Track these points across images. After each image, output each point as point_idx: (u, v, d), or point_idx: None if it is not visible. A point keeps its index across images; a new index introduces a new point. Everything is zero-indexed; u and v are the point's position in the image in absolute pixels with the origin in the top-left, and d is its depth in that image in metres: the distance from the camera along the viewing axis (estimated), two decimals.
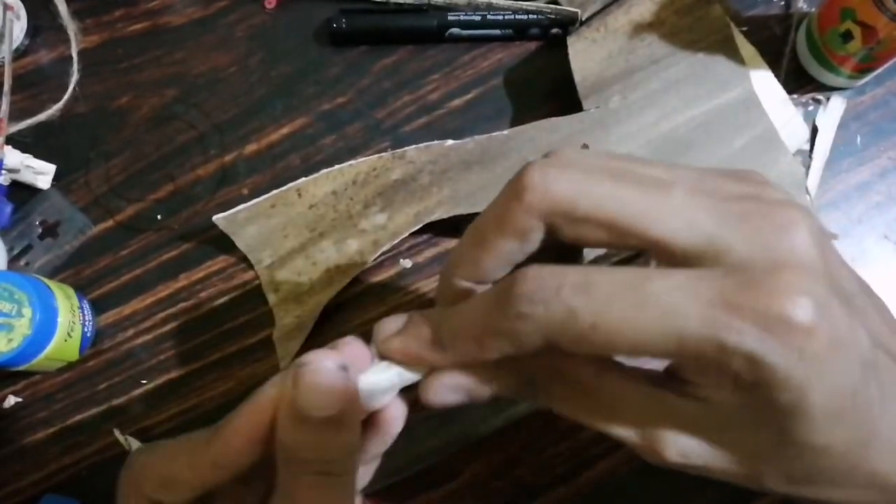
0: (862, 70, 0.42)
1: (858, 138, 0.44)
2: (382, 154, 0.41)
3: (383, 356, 0.24)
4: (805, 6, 0.45)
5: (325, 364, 0.21)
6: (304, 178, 0.41)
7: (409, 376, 0.24)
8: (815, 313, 0.19)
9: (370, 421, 0.25)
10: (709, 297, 0.19)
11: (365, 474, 0.28)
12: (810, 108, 0.44)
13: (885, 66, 0.42)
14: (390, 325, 0.25)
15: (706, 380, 0.21)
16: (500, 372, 0.24)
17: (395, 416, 0.25)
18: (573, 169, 0.22)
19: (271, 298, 0.41)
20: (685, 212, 0.21)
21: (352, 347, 0.24)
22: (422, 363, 0.24)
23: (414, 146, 0.41)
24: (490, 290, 0.22)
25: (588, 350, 0.20)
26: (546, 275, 0.20)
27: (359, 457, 0.24)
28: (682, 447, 0.22)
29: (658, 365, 0.23)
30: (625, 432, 0.23)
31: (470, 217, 0.41)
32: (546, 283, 0.20)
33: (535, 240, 0.22)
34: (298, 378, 0.21)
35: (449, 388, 0.24)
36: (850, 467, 0.21)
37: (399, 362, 0.24)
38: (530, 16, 0.44)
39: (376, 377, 0.24)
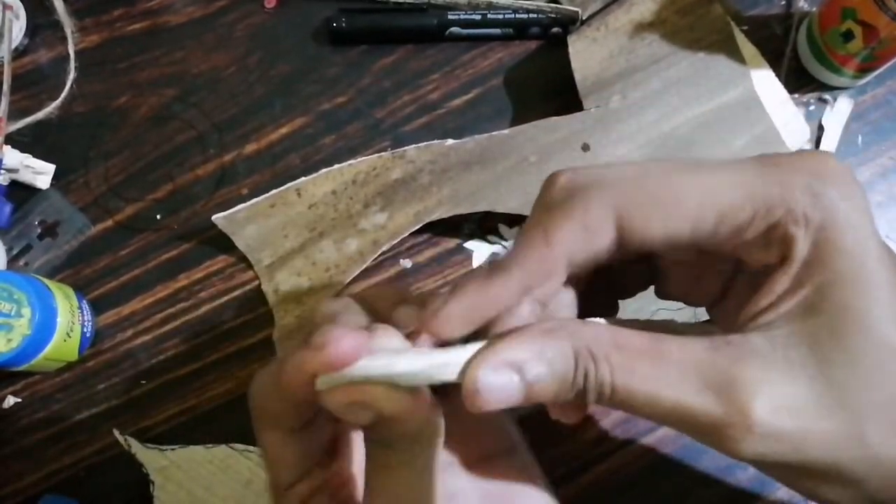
0: (863, 69, 0.42)
1: (859, 138, 0.44)
2: (382, 153, 0.41)
3: (440, 333, 0.21)
4: (806, 6, 0.45)
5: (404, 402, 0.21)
6: (303, 178, 0.41)
7: (442, 360, 0.21)
8: (851, 171, 0.21)
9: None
10: (755, 160, 0.21)
11: None
12: (811, 107, 0.44)
13: (887, 65, 0.42)
14: (435, 302, 0.22)
15: (770, 250, 0.21)
16: (555, 341, 0.21)
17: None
18: (591, 166, 0.23)
19: (271, 298, 0.41)
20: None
21: (386, 340, 0.22)
22: (491, 307, 0.21)
23: (414, 146, 0.41)
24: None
25: (660, 223, 0.20)
26: (591, 165, 0.22)
27: (426, 435, 0.22)
28: (772, 397, 0.19)
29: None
30: (697, 398, 0.20)
31: (470, 217, 0.41)
32: (595, 167, 0.21)
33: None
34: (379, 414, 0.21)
35: (501, 367, 0.20)
36: None
37: (465, 328, 0.21)
38: (531, 15, 0.44)
39: (407, 366, 0.21)
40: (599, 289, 0.26)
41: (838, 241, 0.20)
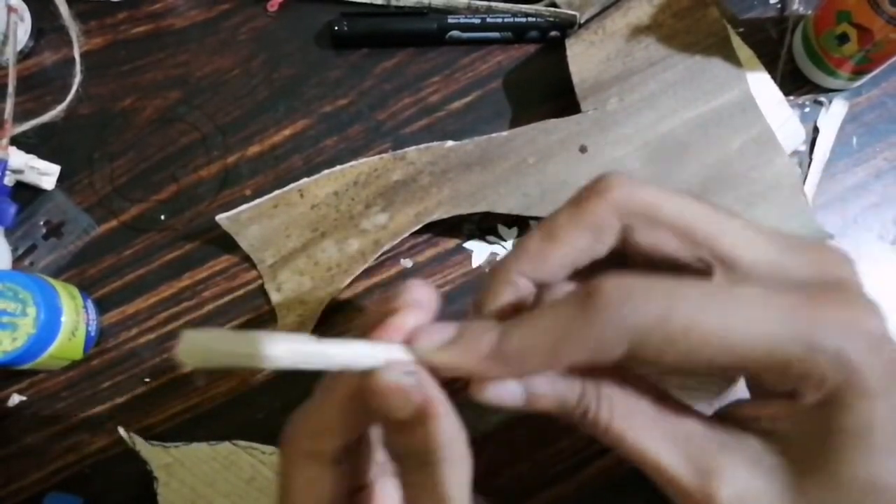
0: (858, 72, 0.42)
1: (854, 139, 0.44)
2: (383, 155, 0.42)
3: (431, 367, 0.23)
4: (801, 9, 0.46)
5: (391, 375, 0.22)
6: (305, 179, 0.41)
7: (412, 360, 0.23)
8: (887, 329, 0.21)
9: None
10: (790, 303, 0.21)
11: None
12: (806, 109, 0.44)
13: (881, 67, 0.42)
14: (433, 335, 0.23)
15: (778, 388, 0.22)
16: (560, 384, 0.23)
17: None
18: (650, 184, 0.23)
19: (273, 298, 0.41)
20: (750, 235, 0.22)
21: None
22: (477, 376, 0.23)
23: (414, 147, 0.42)
24: (568, 296, 0.22)
25: (672, 357, 0.21)
26: (633, 280, 0.21)
27: (455, 441, 0.23)
28: (740, 487, 0.21)
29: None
30: (677, 466, 0.22)
31: (469, 217, 0.42)
32: (635, 287, 0.21)
33: (608, 241, 0.23)
34: (370, 389, 0.22)
35: (505, 392, 0.23)
36: None
37: (449, 372, 0.23)
38: (529, 19, 0.44)
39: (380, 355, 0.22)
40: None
41: (849, 402, 0.21)
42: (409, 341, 0.23)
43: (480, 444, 0.39)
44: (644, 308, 0.20)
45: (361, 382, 0.22)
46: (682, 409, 0.23)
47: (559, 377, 0.23)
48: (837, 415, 0.21)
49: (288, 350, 0.21)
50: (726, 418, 0.24)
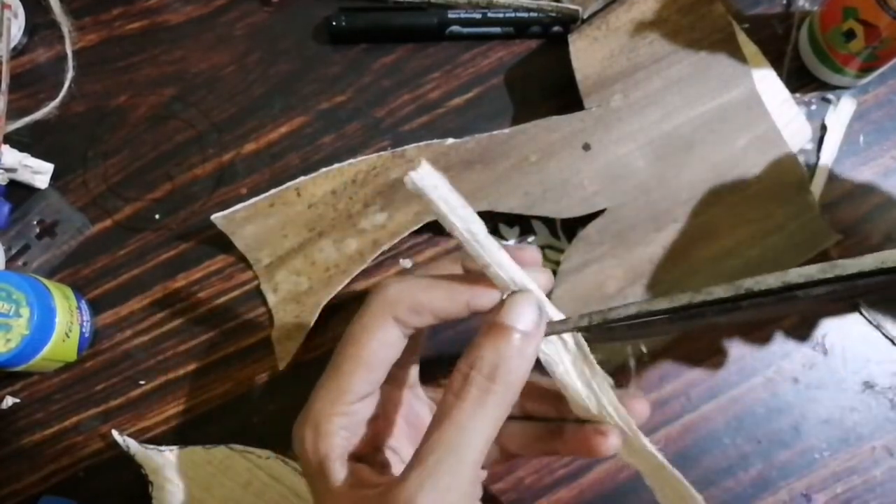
0: (865, 69, 0.42)
1: (861, 137, 0.44)
2: (382, 153, 0.41)
3: None
4: (807, 5, 0.45)
5: (531, 299, 0.27)
6: (303, 178, 0.41)
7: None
8: None
9: None
10: None
11: None
12: (813, 107, 0.44)
13: (889, 64, 0.41)
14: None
15: None
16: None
17: None
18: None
19: (270, 298, 0.41)
20: None
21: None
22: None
23: (414, 145, 0.41)
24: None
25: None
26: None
27: (519, 385, 0.27)
28: None
29: None
30: None
31: None
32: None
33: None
34: (513, 301, 0.27)
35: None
36: None
37: None
38: (531, 14, 0.44)
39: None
40: None
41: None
42: None
43: None
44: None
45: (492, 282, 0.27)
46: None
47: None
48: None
49: (469, 235, 0.27)
50: None
